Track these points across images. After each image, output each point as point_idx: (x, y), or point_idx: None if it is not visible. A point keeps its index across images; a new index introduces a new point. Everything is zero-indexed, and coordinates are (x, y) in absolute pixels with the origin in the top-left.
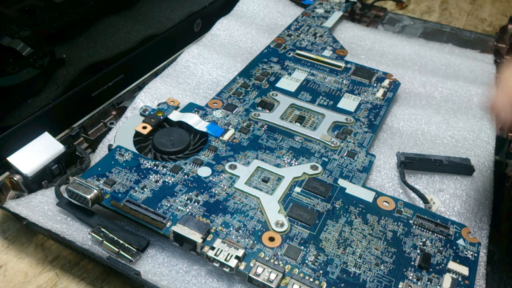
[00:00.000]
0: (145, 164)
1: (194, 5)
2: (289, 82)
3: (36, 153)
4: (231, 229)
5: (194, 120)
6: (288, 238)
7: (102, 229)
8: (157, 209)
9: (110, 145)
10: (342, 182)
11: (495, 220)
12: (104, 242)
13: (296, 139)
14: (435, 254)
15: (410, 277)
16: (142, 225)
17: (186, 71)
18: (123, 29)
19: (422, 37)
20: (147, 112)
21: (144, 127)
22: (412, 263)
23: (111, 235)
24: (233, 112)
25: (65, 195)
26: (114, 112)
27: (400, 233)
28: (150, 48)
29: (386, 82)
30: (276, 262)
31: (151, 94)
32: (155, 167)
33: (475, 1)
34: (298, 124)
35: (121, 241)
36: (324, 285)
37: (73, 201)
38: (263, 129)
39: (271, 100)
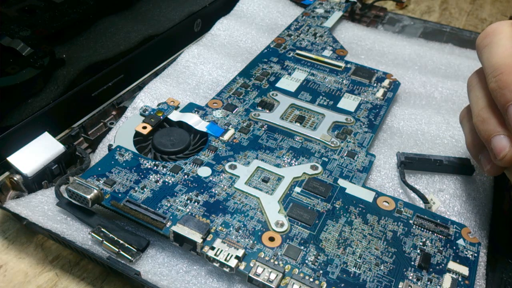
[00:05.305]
0: (145, 164)
1: (194, 5)
2: (289, 82)
3: (36, 153)
4: (231, 229)
5: (194, 120)
6: (288, 238)
7: (102, 229)
8: (157, 209)
9: (110, 145)
10: (342, 182)
11: (495, 220)
12: (104, 242)
13: (296, 139)
14: (435, 254)
15: (410, 277)
16: (142, 225)
17: (186, 71)
18: (123, 29)
19: (422, 37)
20: (147, 112)
21: (144, 127)
22: (412, 263)
23: (111, 235)
24: (233, 112)
25: (65, 195)
26: (114, 112)
27: (400, 233)
28: (150, 48)
29: (386, 82)
30: (276, 262)
31: (151, 94)
32: (155, 167)
33: (475, 1)
34: (298, 124)
35: (121, 241)
36: (324, 285)
37: (73, 201)
38: (263, 129)
39: (271, 100)
